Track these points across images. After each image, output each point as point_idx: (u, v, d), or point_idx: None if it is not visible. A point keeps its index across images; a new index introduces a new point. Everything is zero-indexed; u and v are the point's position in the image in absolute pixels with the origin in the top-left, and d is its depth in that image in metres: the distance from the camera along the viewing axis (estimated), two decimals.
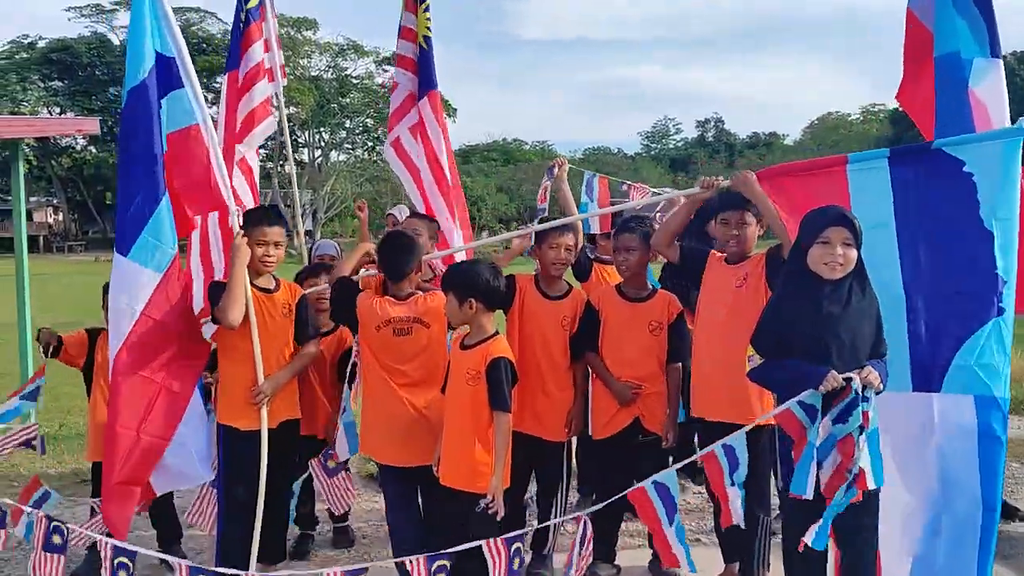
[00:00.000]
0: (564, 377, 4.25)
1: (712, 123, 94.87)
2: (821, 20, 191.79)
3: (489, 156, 71.64)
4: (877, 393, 3.10)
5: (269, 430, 3.91)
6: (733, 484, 3.30)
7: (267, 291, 4.06)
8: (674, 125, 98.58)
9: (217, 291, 3.87)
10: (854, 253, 3.20)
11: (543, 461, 4.29)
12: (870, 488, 3.09)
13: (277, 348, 4.05)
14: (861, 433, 3.05)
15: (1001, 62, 4.10)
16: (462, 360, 3.68)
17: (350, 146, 48.77)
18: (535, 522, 4.32)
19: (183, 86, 3.70)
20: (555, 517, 4.22)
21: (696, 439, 4.71)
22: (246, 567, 3.67)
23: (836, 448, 3.11)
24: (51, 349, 4.35)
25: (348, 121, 46.69)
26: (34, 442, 4.38)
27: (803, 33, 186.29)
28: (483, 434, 3.59)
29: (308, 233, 46.22)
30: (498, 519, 3.50)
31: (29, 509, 3.63)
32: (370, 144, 49.22)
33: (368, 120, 46.76)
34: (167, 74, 3.68)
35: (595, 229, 5.62)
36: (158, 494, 3.95)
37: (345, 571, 3.31)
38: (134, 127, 3.71)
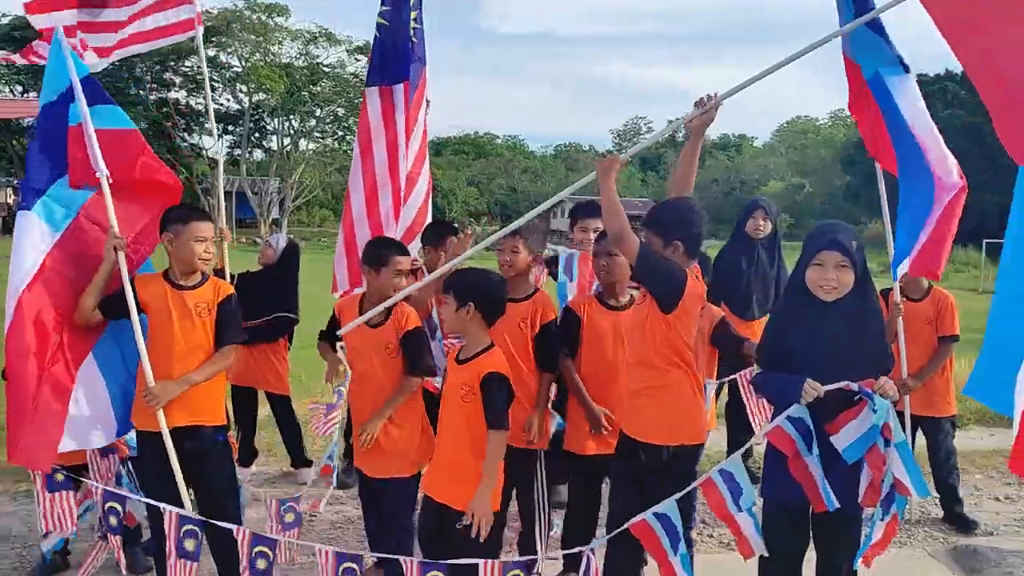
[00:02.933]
0: (526, 381, 4.04)
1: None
2: (795, 23, 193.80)
3: (460, 149, 71.37)
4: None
5: (154, 433, 3.70)
6: (741, 510, 3.26)
7: (181, 287, 3.79)
8: (645, 124, 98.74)
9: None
10: (849, 275, 3.18)
11: (512, 469, 3.94)
12: (914, 496, 3.12)
13: (186, 349, 3.75)
14: (887, 445, 3.06)
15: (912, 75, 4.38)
16: (457, 375, 3.51)
17: (320, 135, 48.23)
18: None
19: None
20: (540, 539, 4.15)
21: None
22: None
23: (866, 462, 3.13)
24: None
25: (319, 109, 46.13)
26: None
27: (776, 35, 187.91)
28: (481, 451, 3.39)
29: (275, 222, 45.63)
30: (481, 540, 3.33)
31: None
32: (340, 133, 48.71)
33: (339, 109, 46.26)
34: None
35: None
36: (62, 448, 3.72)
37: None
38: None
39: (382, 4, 5.23)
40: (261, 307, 5.48)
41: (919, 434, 5.31)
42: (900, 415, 5.19)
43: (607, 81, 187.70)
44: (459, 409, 3.45)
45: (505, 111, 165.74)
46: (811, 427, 3.13)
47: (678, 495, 3.28)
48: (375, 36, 5.28)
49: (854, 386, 3.08)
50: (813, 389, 3.08)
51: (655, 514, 3.26)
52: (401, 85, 5.23)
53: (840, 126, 70.68)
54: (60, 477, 3.75)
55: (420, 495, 3.81)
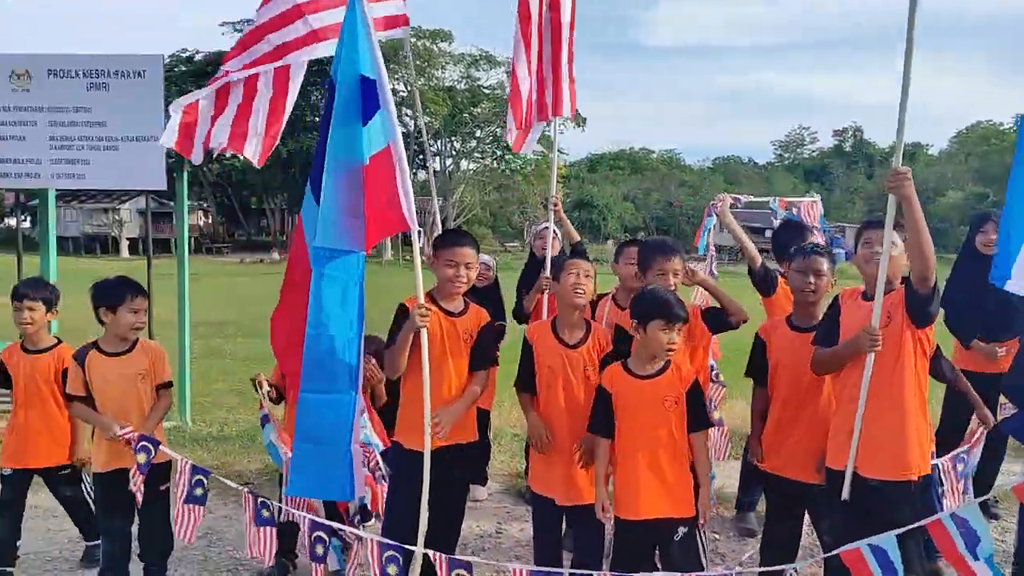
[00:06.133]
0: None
1: (851, 132, 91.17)
2: (973, 24, 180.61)
3: (616, 165, 70.59)
4: None
5: (433, 451, 3.77)
6: (977, 559, 3.06)
7: (452, 314, 3.96)
8: (809, 134, 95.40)
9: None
10: None
11: None
12: None
13: (453, 373, 3.95)
14: None
15: None
16: (647, 389, 3.61)
17: (479, 155, 49.65)
18: None
19: (381, 107, 3.61)
20: None
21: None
22: None
23: None
24: (276, 395, 4.57)
25: (478, 130, 47.66)
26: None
27: (952, 37, 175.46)
28: (688, 455, 3.63)
29: None
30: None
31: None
32: (499, 153, 50.02)
33: (498, 129, 47.60)
34: (371, 95, 3.60)
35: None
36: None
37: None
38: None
39: None
40: None
41: None
42: None
43: (766, 91, 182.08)
44: (663, 420, 3.57)
45: (660, 125, 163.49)
46: None
47: (898, 531, 3.15)
48: None
49: None
50: None
51: (870, 546, 3.14)
52: None
53: None
54: (266, 513, 3.86)
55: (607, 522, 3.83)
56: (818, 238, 5.77)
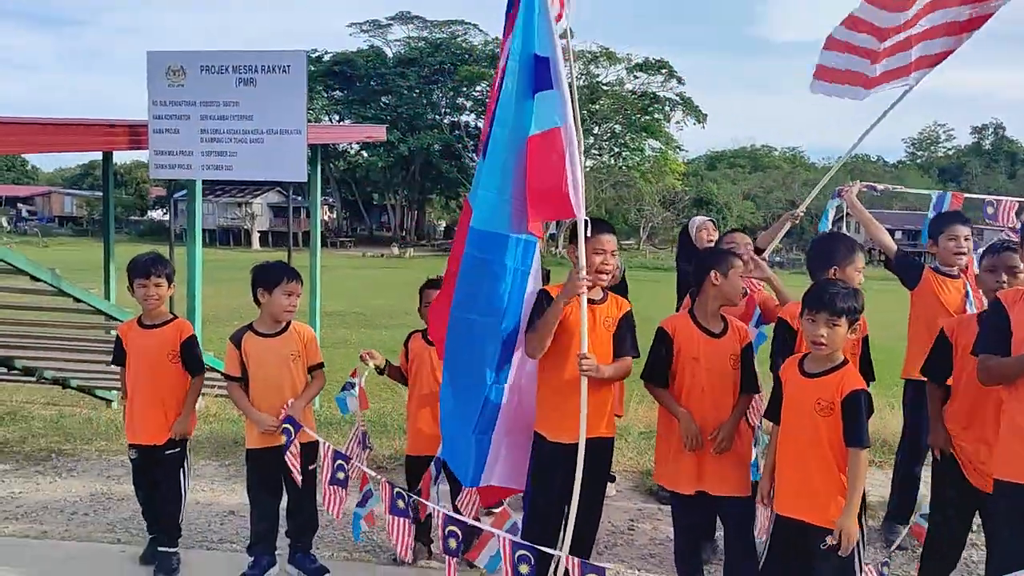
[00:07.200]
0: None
1: (991, 129, 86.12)
2: None
3: (736, 163, 69.04)
4: None
5: (574, 444, 3.66)
6: None
7: (592, 302, 3.89)
8: (945, 132, 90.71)
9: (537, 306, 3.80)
10: None
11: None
12: None
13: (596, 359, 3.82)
14: None
15: None
16: (808, 389, 3.49)
17: (597, 152, 49.49)
18: None
19: (553, 87, 3.53)
20: None
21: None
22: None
23: None
24: (382, 370, 4.70)
25: (596, 127, 47.49)
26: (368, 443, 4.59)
27: None
28: (841, 466, 3.42)
29: (552, 237, 47.47)
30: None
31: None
32: (616, 150, 49.67)
33: (616, 126, 47.28)
34: (542, 73, 3.54)
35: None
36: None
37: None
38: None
39: None
40: None
41: None
42: None
43: None
44: (814, 424, 3.44)
45: (783, 122, 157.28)
46: None
47: None
48: None
49: None
50: None
51: None
52: None
53: None
54: (401, 504, 3.84)
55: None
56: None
